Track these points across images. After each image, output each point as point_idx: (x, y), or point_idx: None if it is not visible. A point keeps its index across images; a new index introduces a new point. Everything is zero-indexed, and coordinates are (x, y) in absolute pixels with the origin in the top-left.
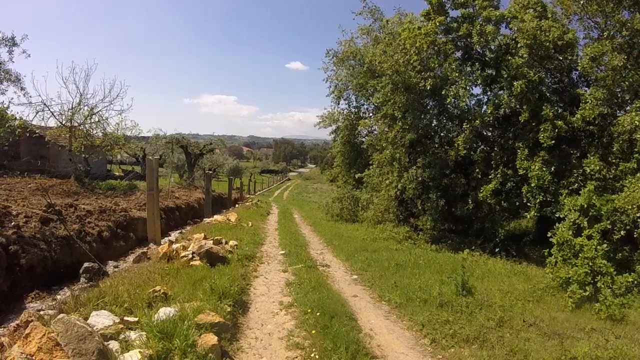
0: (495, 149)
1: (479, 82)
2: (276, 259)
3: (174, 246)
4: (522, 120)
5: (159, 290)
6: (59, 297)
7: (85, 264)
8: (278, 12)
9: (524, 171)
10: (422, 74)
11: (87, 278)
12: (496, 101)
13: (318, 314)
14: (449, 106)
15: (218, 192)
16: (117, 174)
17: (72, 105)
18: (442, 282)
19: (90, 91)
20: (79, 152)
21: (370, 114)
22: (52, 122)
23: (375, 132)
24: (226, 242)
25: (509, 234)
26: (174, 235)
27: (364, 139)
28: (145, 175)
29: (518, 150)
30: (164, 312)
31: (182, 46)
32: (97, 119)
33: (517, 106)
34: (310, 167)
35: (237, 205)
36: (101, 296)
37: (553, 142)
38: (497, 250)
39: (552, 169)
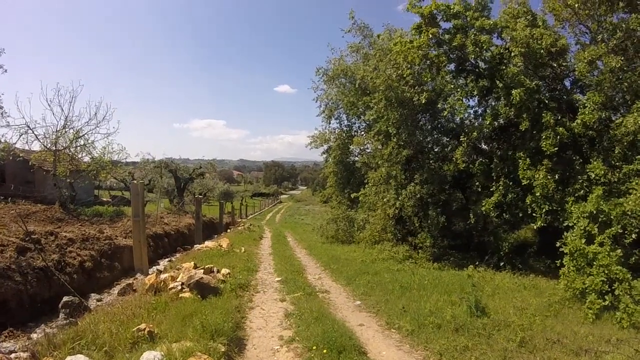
0: (495, 160)
1: (474, 93)
2: (272, 287)
3: (162, 276)
4: (523, 129)
5: (144, 329)
6: (34, 335)
7: (65, 298)
8: (266, 35)
9: (528, 181)
10: (415, 88)
11: (66, 314)
12: (494, 112)
13: (324, 350)
14: (442, 120)
15: (209, 217)
16: (105, 199)
17: (57, 128)
18: (452, 303)
19: (76, 113)
20: (64, 177)
21: (362, 132)
22: (36, 146)
23: (368, 150)
24: (218, 271)
25: (512, 246)
26: (162, 263)
27: (356, 158)
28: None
29: (519, 160)
30: (148, 357)
31: (171, 71)
32: (82, 143)
33: (515, 116)
34: (301, 189)
35: (228, 230)
36: (78, 337)
37: (556, 149)
38: (502, 264)
39: (556, 176)
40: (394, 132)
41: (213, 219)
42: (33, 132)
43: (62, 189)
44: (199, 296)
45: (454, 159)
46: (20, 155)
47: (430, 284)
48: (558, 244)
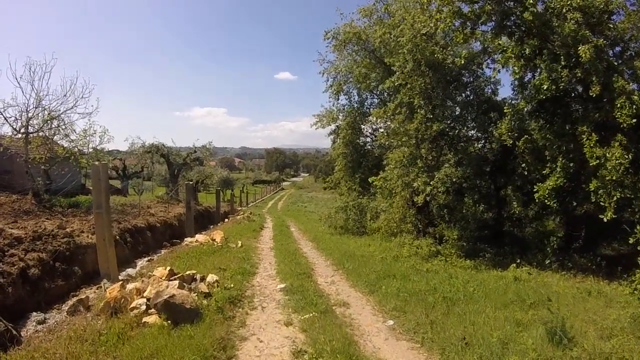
0: (549, 136)
1: (527, 52)
2: (274, 299)
3: (128, 287)
4: (593, 96)
5: None
6: None
7: None
8: (265, 22)
9: (597, 161)
10: (447, 49)
11: None
12: (552, 75)
13: None
14: (476, 89)
15: (205, 206)
16: (91, 188)
17: (27, 107)
18: (518, 324)
19: (51, 92)
20: (39, 164)
21: (376, 109)
22: (8, 130)
23: (382, 130)
24: (203, 278)
25: (560, 241)
26: (140, 264)
27: (368, 139)
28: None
29: (582, 136)
30: None
31: (171, 59)
32: (57, 124)
33: (581, 79)
34: (303, 176)
35: (226, 220)
36: None
37: (635, 120)
38: (548, 261)
39: (630, 156)
40: (421, 103)
41: (209, 208)
42: (1, 114)
43: (35, 177)
44: (169, 322)
45: (495, 134)
46: (1, 142)
47: (476, 291)
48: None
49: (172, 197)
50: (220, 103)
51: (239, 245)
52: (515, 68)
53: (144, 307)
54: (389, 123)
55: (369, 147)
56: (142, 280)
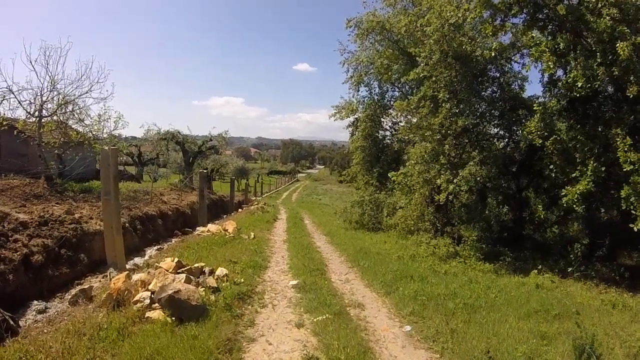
0: (580, 137)
1: (561, 47)
2: (285, 297)
3: (134, 278)
4: (630, 96)
5: None
6: None
7: None
8: (284, 14)
9: (631, 166)
10: (476, 41)
11: None
12: (588, 72)
13: None
14: (504, 84)
15: (219, 195)
16: None
17: (42, 91)
18: (543, 336)
19: (66, 76)
20: (52, 148)
21: (398, 101)
22: (20, 113)
23: (402, 124)
24: (212, 272)
25: (585, 248)
26: (149, 253)
27: (387, 133)
28: (101, 174)
29: (616, 139)
30: None
31: (190, 49)
32: (71, 108)
33: (617, 78)
34: (319, 168)
35: (240, 210)
36: None
37: None
38: (570, 269)
39: None
40: (446, 97)
41: (224, 197)
42: (15, 97)
43: (48, 161)
44: (174, 319)
45: (524, 133)
46: (13, 124)
47: (498, 297)
48: None
49: (187, 185)
50: (238, 93)
51: (252, 236)
52: (550, 63)
53: (147, 301)
54: (409, 117)
55: (388, 141)
56: (148, 272)
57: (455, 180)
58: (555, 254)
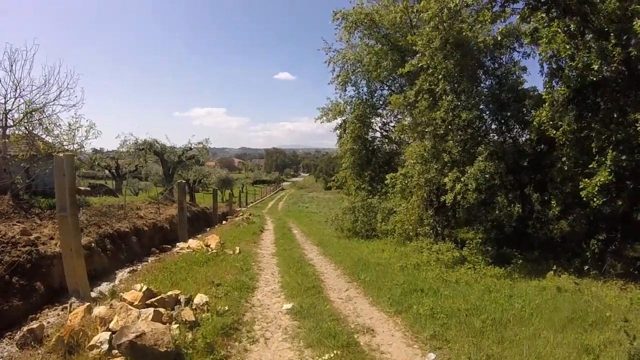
0: (595, 125)
1: (572, 28)
2: (279, 327)
3: (94, 312)
4: None
5: None
6: None
7: None
8: (264, 22)
9: None
10: (476, 28)
11: None
12: (604, 54)
13: None
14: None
15: (202, 207)
16: (82, 188)
17: (5, 98)
18: (587, 350)
19: (33, 82)
20: (20, 161)
21: (389, 101)
22: None
23: (392, 124)
24: (188, 301)
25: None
26: (119, 277)
27: (378, 133)
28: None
29: (637, 125)
30: None
31: (170, 59)
32: (38, 117)
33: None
34: (303, 176)
35: (224, 222)
36: None
37: None
38: (586, 267)
39: None
40: (446, 88)
41: (207, 209)
42: None
43: (14, 175)
44: None
45: (534, 124)
46: None
47: (524, 308)
48: None
49: (166, 197)
50: (220, 103)
51: (237, 251)
52: (566, 44)
53: (106, 347)
54: (405, 114)
55: (379, 142)
56: (111, 305)
57: (462, 179)
58: (568, 251)
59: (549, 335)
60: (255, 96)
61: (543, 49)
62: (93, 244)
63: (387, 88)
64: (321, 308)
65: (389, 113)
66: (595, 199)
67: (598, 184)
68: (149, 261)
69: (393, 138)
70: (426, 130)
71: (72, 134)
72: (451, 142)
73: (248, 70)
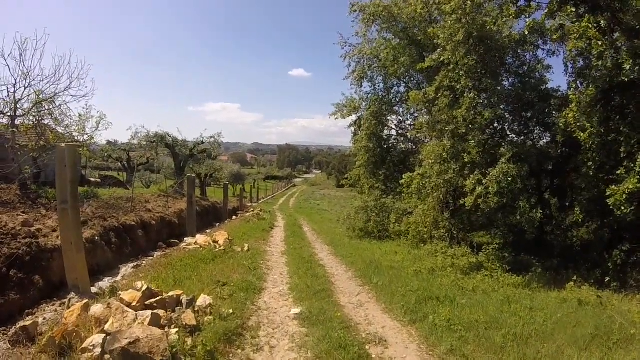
0: (623, 129)
1: (602, 24)
2: (287, 334)
3: (91, 311)
4: None
5: None
6: None
7: None
8: (280, 20)
9: None
10: (500, 21)
11: None
12: (635, 53)
13: None
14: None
15: (213, 201)
16: (93, 179)
17: (15, 88)
18: None
19: (44, 72)
20: (29, 151)
21: (405, 98)
22: None
23: (408, 122)
24: (190, 302)
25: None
26: (123, 272)
27: (393, 131)
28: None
29: None
30: None
31: (185, 55)
32: (47, 107)
33: None
34: (315, 173)
35: (234, 217)
36: None
37: None
38: (607, 279)
39: None
40: (468, 85)
41: (217, 203)
42: None
43: (23, 165)
44: None
45: (560, 125)
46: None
47: (549, 324)
48: None
49: (177, 191)
50: (234, 99)
51: (245, 248)
52: (599, 41)
53: (98, 351)
54: (423, 112)
55: (394, 141)
56: (108, 304)
57: (484, 181)
58: (588, 261)
59: (572, 354)
60: (270, 92)
61: (573, 44)
62: (97, 238)
63: (404, 85)
64: (331, 314)
65: (405, 111)
66: (623, 207)
67: (626, 192)
68: (155, 256)
69: (409, 136)
70: (446, 128)
71: (83, 125)
72: (473, 141)
73: (263, 67)
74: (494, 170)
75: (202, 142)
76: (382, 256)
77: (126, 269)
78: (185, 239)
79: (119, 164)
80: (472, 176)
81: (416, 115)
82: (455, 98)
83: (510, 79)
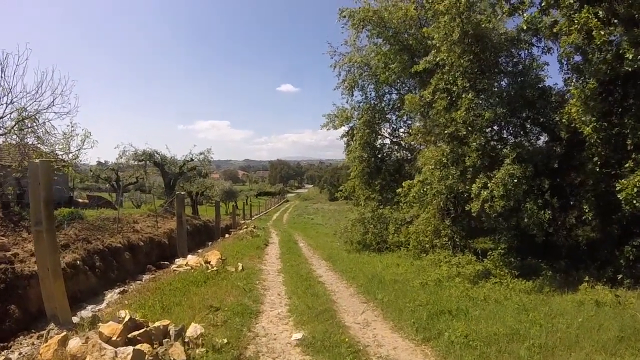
0: (628, 120)
1: (600, 14)
2: None
3: (69, 346)
4: None
5: None
6: None
7: None
8: (266, 35)
9: None
10: (494, 19)
11: None
12: (636, 41)
13: None
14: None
15: (205, 220)
16: (81, 200)
17: None
18: None
19: (27, 87)
20: (13, 171)
21: (398, 105)
22: None
23: (402, 130)
24: (179, 333)
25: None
26: (108, 298)
27: (387, 140)
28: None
29: None
30: None
31: (174, 74)
32: (29, 125)
33: None
34: (308, 187)
35: (227, 236)
36: None
37: None
38: (619, 277)
39: None
40: (465, 85)
41: (209, 222)
42: None
43: (5, 186)
44: None
45: (563, 121)
46: None
47: (572, 331)
48: None
49: (167, 210)
50: (223, 116)
51: (239, 268)
52: (601, 32)
53: None
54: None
55: (388, 149)
56: (87, 339)
57: (489, 185)
58: (597, 259)
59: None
60: (259, 108)
61: (573, 37)
62: (79, 262)
63: (395, 92)
64: (337, 337)
65: (398, 119)
66: (634, 201)
67: (637, 185)
68: (144, 280)
69: (404, 144)
70: (445, 132)
71: (67, 143)
72: (474, 144)
73: (251, 83)
74: (499, 172)
75: (192, 159)
76: (384, 269)
77: (112, 295)
78: (176, 260)
79: (108, 184)
80: (477, 180)
81: (409, 122)
82: (452, 100)
83: (506, 79)
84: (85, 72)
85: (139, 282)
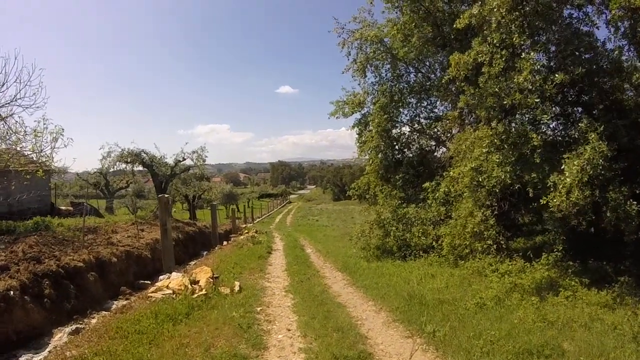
0: None
1: None
2: None
3: None
4: None
5: None
6: None
7: None
8: (263, 37)
9: None
10: None
11: None
12: None
13: None
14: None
15: (202, 225)
16: (64, 208)
17: None
18: None
19: None
20: None
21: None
22: None
23: (423, 116)
24: None
25: None
26: (54, 341)
27: (406, 127)
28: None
29: None
30: None
31: (172, 78)
32: None
33: None
34: (310, 188)
35: (225, 243)
36: None
37: None
38: None
39: None
40: (526, 42)
41: (206, 227)
42: None
43: None
44: None
45: None
46: None
47: None
48: None
49: (157, 216)
50: (223, 119)
51: (236, 289)
52: None
53: None
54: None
55: (408, 139)
56: None
57: (573, 169)
58: None
59: None
60: (258, 111)
61: None
62: (14, 292)
63: (414, 72)
64: None
65: (419, 103)
66: None
67: None
68: (113, 309)
69: (430, 132)
70: (504, 102)
71: (39, 142)
72: (546, 116)
73: (249, 85)
74: (586, 151)
75: (184, 159)
76: (419, 283)
77: (61, 336)
78: (161, 277)
79: (97, 190)
80: (568, 161)
81: (430, 107)
82: (512, 58)
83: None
84: (79, 81)
85: (105, 312)
